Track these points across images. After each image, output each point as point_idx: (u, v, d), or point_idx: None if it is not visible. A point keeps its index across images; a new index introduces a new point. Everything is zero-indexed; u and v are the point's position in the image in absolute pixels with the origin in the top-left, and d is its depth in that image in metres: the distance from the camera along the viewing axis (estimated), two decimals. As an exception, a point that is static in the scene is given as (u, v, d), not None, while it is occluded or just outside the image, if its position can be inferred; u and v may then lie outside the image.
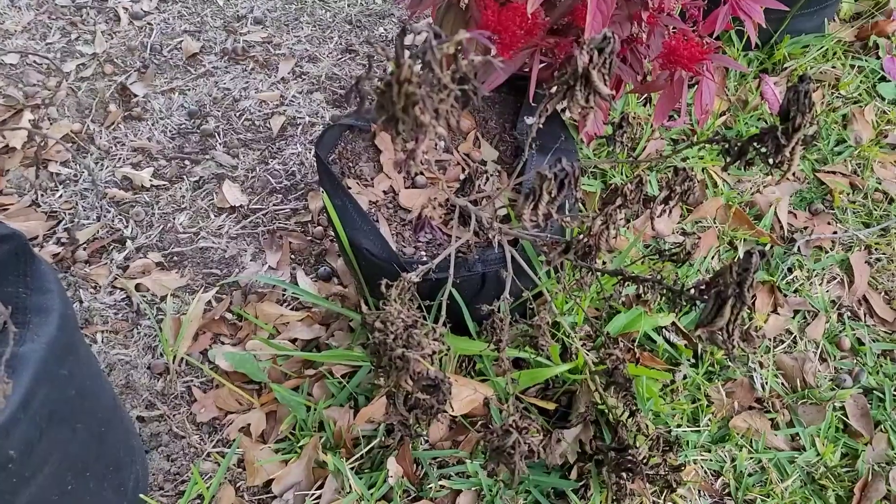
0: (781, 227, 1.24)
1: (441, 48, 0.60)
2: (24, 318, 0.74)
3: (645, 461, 0.91)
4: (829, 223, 1.25)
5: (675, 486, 0.88)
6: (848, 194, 1.30)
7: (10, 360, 0.68)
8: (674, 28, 1.09)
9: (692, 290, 0.83)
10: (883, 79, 1.46)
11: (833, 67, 1.47)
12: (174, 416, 1.05)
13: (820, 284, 1.18)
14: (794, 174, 1.31)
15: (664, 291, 0.84)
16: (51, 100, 1.44)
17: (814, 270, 1.19)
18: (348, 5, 1.65)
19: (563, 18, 1.05)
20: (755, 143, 0.90)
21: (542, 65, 1.11)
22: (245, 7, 1.65)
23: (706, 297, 0.79)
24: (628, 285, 1.05)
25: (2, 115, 1.43)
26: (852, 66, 1.49)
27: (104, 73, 1.52)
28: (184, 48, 1.55)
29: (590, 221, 0.91)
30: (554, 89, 0.84)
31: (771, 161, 0.86)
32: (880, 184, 1.31)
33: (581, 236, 0.91)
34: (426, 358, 0.79)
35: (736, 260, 0.77)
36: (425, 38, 0.60)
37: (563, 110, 1.16)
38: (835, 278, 1.19)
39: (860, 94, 1.43)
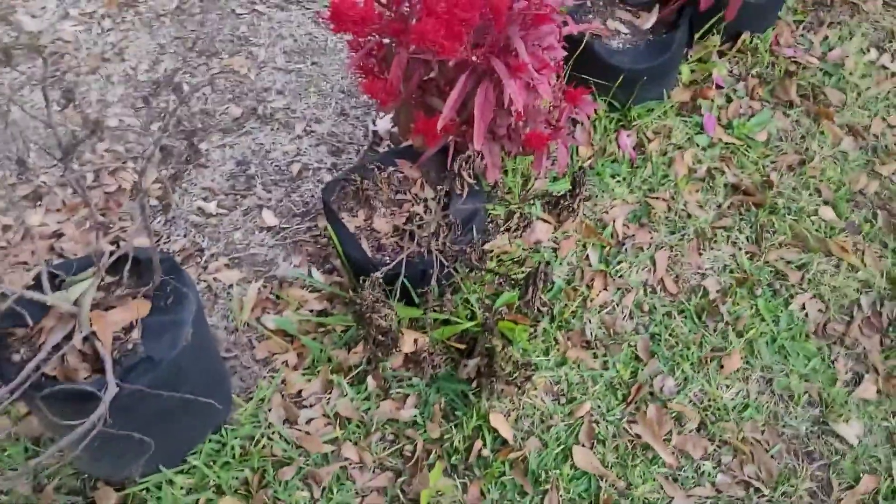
0: (617, 235, 1.96)
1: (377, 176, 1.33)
2: (178, 300, 1.46)
3: (509, 374, 1.63)
4: (648, 232, 1.97)
5: (521, 386, 1.60)
6: (664, 212, 2.01)
7: (177, 319, 1.40)
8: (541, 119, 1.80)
9: (521, 281, 1.56)
10: (701, 130, 2.17)
11: (666, 123, 2.17)
12: (242, 356, 1.78)
13: (637, 272, 1.90)
14: (627, 199, 2.02)
15: (508, 281, 1.56)
16: (143, 155, 2.15)
17: (633, 263, 1.91)
18: (342, 78, 2.36)
19: (470, 117, 1.76)
20: (561, 199, 1.62)
21: (461, 138, 1.82)
22: (270, 80, 2.36)
23: (522, 284, 1.52)
24: (497, 278, 1.78)
25: (114, 164, 2.15)
26: (684, 122, 2.19)
27: (174, 133, 2.22)
28: (230, 113, 2.27)
29: (478, 247, 1.63)
30: (457, 165, 1.56)
31: (569, 210, 1.59)
32: (685, 206, 2.02)
33: (469, 250, 1.63)
34: (382, 318, 1.52)
35: (540, 266, 1.49)
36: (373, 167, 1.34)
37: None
38: (646, 268, 1.91)
39: (684, 143, 2.14)
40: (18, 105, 1.30)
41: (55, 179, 2.10)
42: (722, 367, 1.75)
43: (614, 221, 1.97)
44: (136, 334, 1.37)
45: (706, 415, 1.68)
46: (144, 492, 1.51)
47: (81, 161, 2.13)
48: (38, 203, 2.03)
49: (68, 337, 1.35)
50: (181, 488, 1.52)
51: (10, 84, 2.33)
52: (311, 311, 1.83)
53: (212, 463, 1.56)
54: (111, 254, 1.42)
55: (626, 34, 2.16)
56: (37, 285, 1.38)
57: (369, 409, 1.67)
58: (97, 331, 1.34)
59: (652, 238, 1.96)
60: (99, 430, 1.21)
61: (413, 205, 1.82)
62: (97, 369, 1.33)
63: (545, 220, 1.95)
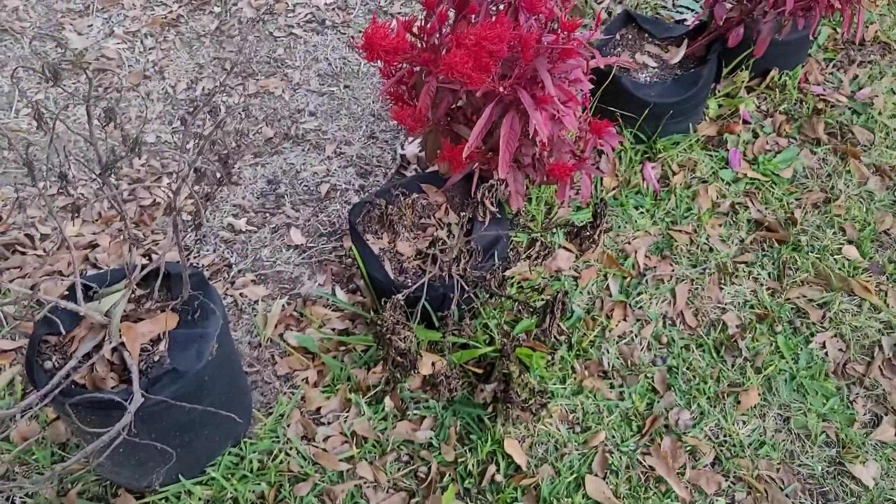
0: (638, 266, 1.97)
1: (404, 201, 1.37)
2: (205, 314, 1.50)
3: (525, 401, 1.65)
4: (669, 264, 1.98)
5: (536, 413, 1.62)
6: (686, 245, 2.02)
7: (203, 333, 1.44)
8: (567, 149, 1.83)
9: (538, 308, 1.58)
10: (726, 165, 2.18)
11: (692, 157, 2.19)
12: (264, 371, 1.82)
13: (656, 304, 1.91)
14: (650, 231, 2.04)
15: (527, 308, 1.59)
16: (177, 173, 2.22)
17: (653, 295, 1.92)
18: (373, 102, 2.41)
19: (495, 145, 1.79)
20: (583, 230, 1.64)
21: (486, 166, 1.85)
22: (303, 102, 2.42)
23: (540, 311, 1.54)
24: (516, 305, 1.80)
25: (149, 179, 2.22)
26: (709, 156, 2.20)
27: (210, 150, 2.29)
28: (263, 133, 2.33)
29: (498, 274, 1.66)
30: (480, 193, 1.59)
31: (590, 240, 1.60)
32: (708, 239, 2.03)
33: (490, 277, 1.65)
34: (401, 340, 1.55)
35: (558, 295, 1.51)
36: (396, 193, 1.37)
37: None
38: (666, 300, 1.92)
39: (708, 177, 2.15)
40: (61, 120, 1.36)
41: (93, 192, 2.17)
42: (739, 402, 1.75)
43: (636, 252, 1.99)
44: (163, 346, 1.42)
45: (721, 450, 1.68)
46: (163, 501, 1.55)
47: (119, 175, 2.20)
48: (76, 214, 2.10)
49: (98, 346, 1.40)
50: (199, 499, 1.55)
51: (55, 98, 2.42)
52: (333, 329, 1.87)
53: (230, 475, 1.59)
54: (143, 268, 1.47)
55: (654, 68, 2.19)
56: (71, 295, 1.43)
57: (386, 429, 1.69)
58: (126, 342, 1.38)
59: (673, 270, 1.97)
60: (123, 438, 1.25)
61: (437, 229, 1.86)
62: (124, 379, 1.38)
63: (567, 249, 1.97)
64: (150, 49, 2.62)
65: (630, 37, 2.26)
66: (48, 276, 1.98)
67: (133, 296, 1.50)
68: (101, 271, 1.62)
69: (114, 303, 1.41)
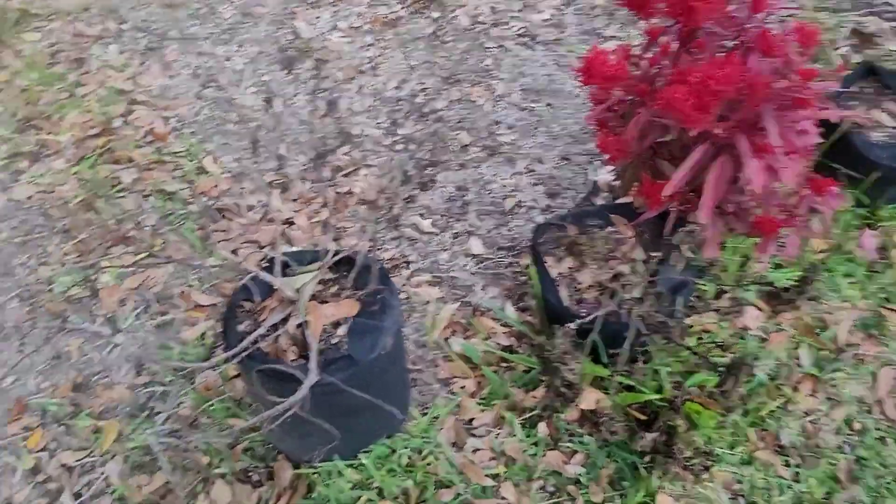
0: (837, 341, 1.79)
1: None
2: (384, 308, 1.55)
3: (687, 459, 1.55)
4: (876, 345, 1.78)
5: (698, 474, 1.51)
6: (899, 327, 1.81)
7: (380, 326, 1.49)
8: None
9: (720, 367, 1.48)
10: (962, 246, 1.92)
11: (920, 231, 1.95)
12: (426, 371, 1.85)
13: (853, 385, 1.72)
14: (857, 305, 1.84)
15: (706, 363, 1.49)
16: (378, 164, 2.32)
17: (851, 374, 1.74)
18: (574, 122, 2.39)
19: (699, 187, 1.70)
20: (784, 291, 1.51)
21: (684, 207, 1.76)
22: (503, 115, 2.44)
23: (724, 371, 1.45)
24: (694, 357, 1.70)
25: (349, 168, 2.33)
26: (942, 232, 1.96)
27: (409, 150, 2.37)
28: (459, 140, 2.38)
29: (682, 322, 1.57)
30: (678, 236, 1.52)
31: (791, 304, 1.48)
32: (927, 325, 1.80)
33: (672, 324, 1.57)
34: (568, 370, 1.51)
35: (747, 358, 1.41)
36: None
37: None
38: (865, 383, 1.72)
39: (938, 255, 1.91)
40: (288, 106, 1.46)
41: (297, 172, 2.32)
42: (937, 516, 1.54)
43: (838, 325, 1.80)
44: (341, 331, 1.48)
45: (907, 565, 1.49)
46: (316, 475, 1.62)
47: (323, 161, 2.34)
48: (282, 192, 2.26)
49: (285, 320, 1.49)
50: (348, 482, 1.61)
51: (277, 81, 2.62)
52: (498, 344, 1.86)
53: (380, 465, 1.63)
54: (336, 253, 1.55)
55: (891, 128, 1.98)
56: (269, 268, 1.54)
57: (536, 455, 1.66)
58: (310, 320, 1.46)
59: (879, 352, 1.77)
60: (294, 411, 1.32)
61: (620, 263, 1.79)
62: (303, 355, 1.46)
63: (758, 308, 1.83)
64: (368, 46, 2.76)
65: (869, 91, 2.06)
66: (247, 244, 2.15)
67: (322, 278, 1.58)
68: (298, 250, 1.72)
69: (305, 282, 1.50)
